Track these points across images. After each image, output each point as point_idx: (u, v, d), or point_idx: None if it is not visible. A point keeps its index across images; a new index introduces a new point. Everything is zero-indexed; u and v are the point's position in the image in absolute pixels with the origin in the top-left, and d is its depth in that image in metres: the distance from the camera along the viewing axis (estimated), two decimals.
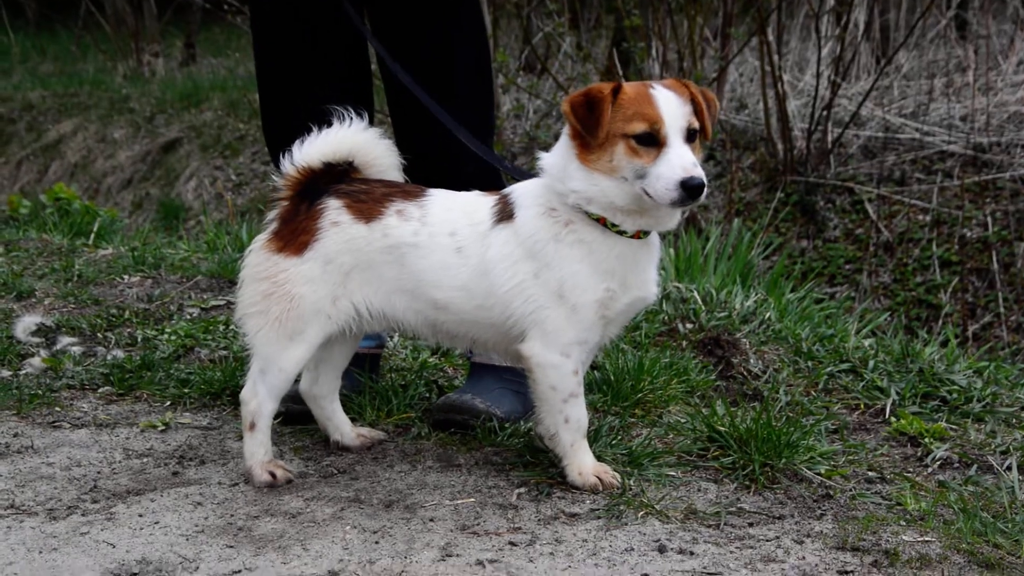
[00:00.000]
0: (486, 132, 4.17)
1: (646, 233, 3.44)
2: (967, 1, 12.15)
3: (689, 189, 3.22)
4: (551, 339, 3.43)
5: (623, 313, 3.52)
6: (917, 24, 10.80)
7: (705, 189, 3.26)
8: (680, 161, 3.24)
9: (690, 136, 3.31)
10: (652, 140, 3.28)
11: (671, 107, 3.29)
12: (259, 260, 3.57)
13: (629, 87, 3.35)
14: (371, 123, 3.80)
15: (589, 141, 3.32)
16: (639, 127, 3.27)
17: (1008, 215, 9.18)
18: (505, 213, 3.48)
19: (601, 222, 3.38)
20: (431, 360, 4.73)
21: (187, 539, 3.21)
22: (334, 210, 3.52)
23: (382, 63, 4.09)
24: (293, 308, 3.51)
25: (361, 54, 4.23)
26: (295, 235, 3.53)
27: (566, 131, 3.44)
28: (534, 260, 3.41)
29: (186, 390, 4.39)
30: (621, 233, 3.39)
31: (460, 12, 4.09)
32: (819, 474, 3.70)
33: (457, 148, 3.96)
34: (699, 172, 3.24)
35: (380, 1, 4.08)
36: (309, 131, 3.58)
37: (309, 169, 3.55)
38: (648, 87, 3.35)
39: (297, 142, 3.57)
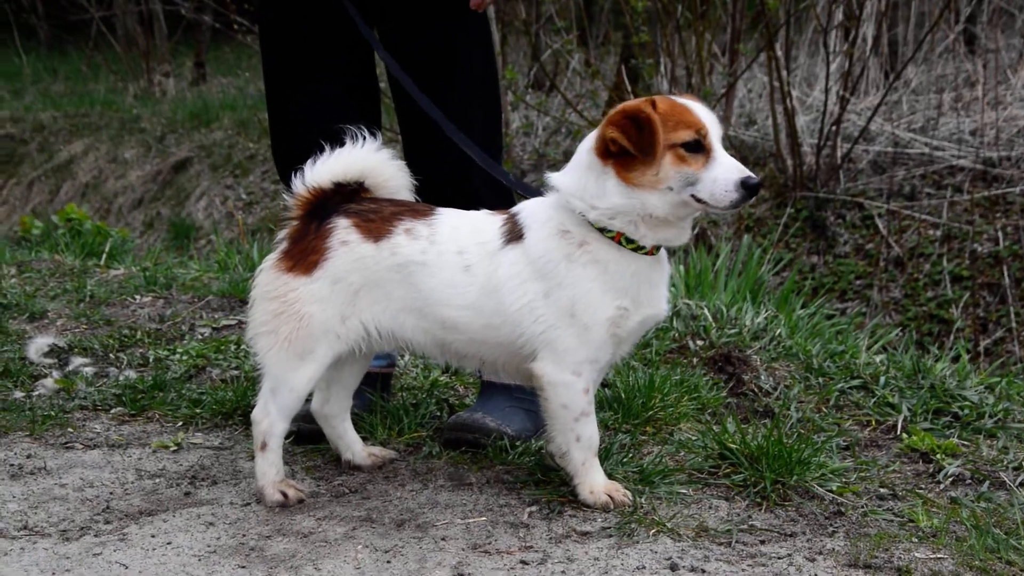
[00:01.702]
0: (495, 147, 4.18)
1: (658, 250, 3.47)
2: (975, 15, 12.15)
3: (749, 188, 3.30)
4: (562, 358, 3.44)
5: (635, 331, 3.53)
6: (926, 39, 10.81)
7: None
8: (733, 164, 3.32)
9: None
10: (699, 147, 3.33)
11: (708, 115, 3.39)
12: (269, 280, 3.59)
13: (660, 101, 3.40)
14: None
15: (640, 159, 3.33)
16: (686, 135, 3.32)
17: (1019, 229, 9.16)
18: (514, 233, 3.49)
19: (616, 239, 3.40)
20: (442, 379, 4.73)
21: (199, 559, 3.22)
22: (343, 229, 3.53)
23: (392, 77, 4.10)
24: (303, 327, 3.52)
25: (369, 67, 4.24)
26: (305, 255, 3.54)
27: (590, 151, 3.44)
28: (545, 280, 3.42)
29: (198, 410, 4.40)
30: (636, 250, 3.41)
31: (467, 17, 4.09)
32: (831, 491, 3.70)
33: (467, 166, 3.97)
34: (751, 172, 3.31)
35: (382, 2, 4.09)
36: (319, 149, 3.59)
37: (319, 189, 3.57)
38: (675, 99, 3.42)
39: (309, 162, 3.58)
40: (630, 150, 3.32)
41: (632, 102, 3.43)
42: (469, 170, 4.01)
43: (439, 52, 4.07)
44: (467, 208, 3.66)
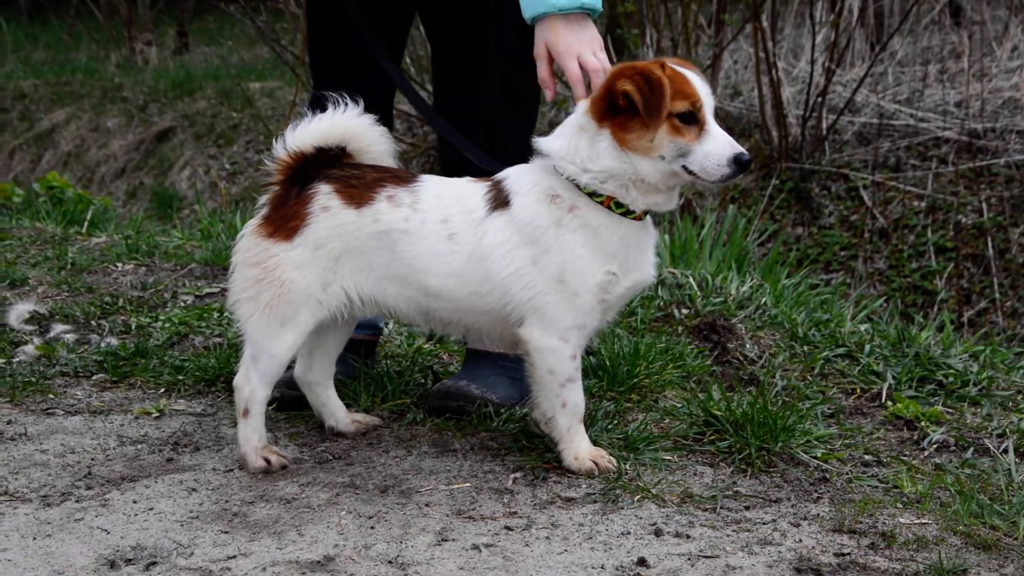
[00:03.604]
0: (532, 112, 4.14)
1: (645, 215, 3.46)
2: None
3: (741, 164, 3.30)
4: (550, 324, 3.43)
5: (623, 297, 3.53)
6: (911, 10, 10.77)
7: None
8: (725, 138, 3.32)
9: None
10: (693, 118, 3.33)
11: (703, 86, 3.37)
12: (250, 245, 3.55)
13: (666, 66, 3.38)
14: (392, 100, 4.01)
15: (643, 120, 3.30)
16: (682, 105, 3.32)
17: (1003, 201, 9.17)
18: (500, 200, 3.46)
19: (605, 204, 3.38)
20: (426, 346, 4.71)
21: (182, 525, 3.20)
22: (324, 195, 3.50)
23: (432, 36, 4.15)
24: (283, 293, 3.49)
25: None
26: (285, 220, 3.51)
27: (586, 112, 3.42)
28: (533, 246, 3.40)
29: (180, 377, 4.37)
30: (625, 215, 3.39)
31: None
32: (815, 458, 3.70)
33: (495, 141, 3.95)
34: (742, 148, 3.31)
35: None
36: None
37: (301, 153, 3.53)
38: (676, 67, 3.38)
39: (290, 127, 3.56)
40: (639, 107, 3.30)
41: (642, 62, 3.41)
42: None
43: (484, 12, 4.01)
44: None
